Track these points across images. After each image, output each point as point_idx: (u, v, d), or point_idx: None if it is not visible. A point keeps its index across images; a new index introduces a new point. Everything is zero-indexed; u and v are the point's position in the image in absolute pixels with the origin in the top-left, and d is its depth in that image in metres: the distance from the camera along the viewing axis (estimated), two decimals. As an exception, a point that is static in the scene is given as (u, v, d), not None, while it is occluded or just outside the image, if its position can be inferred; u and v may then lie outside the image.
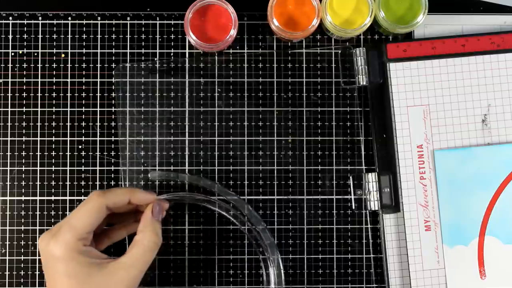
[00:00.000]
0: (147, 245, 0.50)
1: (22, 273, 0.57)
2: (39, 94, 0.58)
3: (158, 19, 0.59)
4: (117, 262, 0.49)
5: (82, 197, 0.58)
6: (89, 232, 0.49)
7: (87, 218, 0.48)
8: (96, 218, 0.49)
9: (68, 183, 0.58)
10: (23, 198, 0.58)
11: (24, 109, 0.58)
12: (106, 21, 0.59)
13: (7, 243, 0.57)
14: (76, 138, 0.58)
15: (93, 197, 0.49)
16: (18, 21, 0.59)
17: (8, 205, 0.58)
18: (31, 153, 0.58)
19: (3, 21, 0.59)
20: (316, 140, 0.59)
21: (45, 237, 0.48)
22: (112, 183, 0.58)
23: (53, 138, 0.58)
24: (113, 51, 0.59)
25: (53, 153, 0.58)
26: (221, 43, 0.55)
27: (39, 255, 0.57)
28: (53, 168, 0.58)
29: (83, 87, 0.58)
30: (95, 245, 0.52)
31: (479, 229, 0.57)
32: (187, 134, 0.58)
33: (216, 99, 0.59)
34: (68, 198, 0.58)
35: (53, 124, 0.58)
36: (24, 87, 0.58)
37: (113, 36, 0.59)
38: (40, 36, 0.59)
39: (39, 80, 0.58)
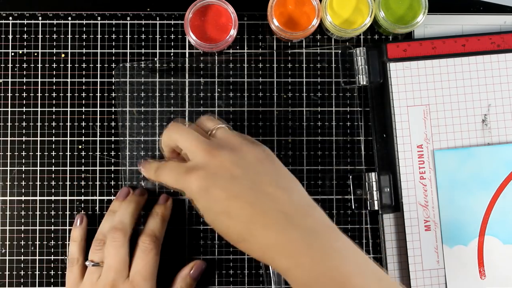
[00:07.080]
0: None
1: (22, 273, 0.57)
2: (39, 94, 0.58)
3: (158, 19, 0.59)
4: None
5: (82, 197, 0.58)
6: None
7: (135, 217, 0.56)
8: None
9: (68, 183, 0.58)
10: (23, 198, 0.58)
11: (24, 109, 0.58)
12: (106, 21, 0.59)
13: (7, 243, 0.58)
14: (76, 138, 0.58)
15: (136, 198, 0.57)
16: (18, 21, 0.59)
17: (8, 205, 0.58)
18: (31, 153, 0.58)
19: (3, 21, 0.59)
20: (316, 140, 0.59)
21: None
22: (112, 183, 0.58)
23: (53, 138, 0.58)
24: (113, 51, 0.59)
25: (53, 153, 0.58)
26: (221, 43, 0.55)
27: (39, 256, 0.57)
28: (53, 168, 0.58)
29: (83, 87, 0.58)
30: None
31: (479, 229, 0.57)
32: (187, 134, 0.58)
33: (216, 99, 0.59)
34: (68, 198, 0.58)
35: (53, 124, 0.58)
36: (24, 87, 0.58)
37: (113, 36, 0.59)
38: (40, 36, 0.59)
39: (39, 80, 0.58)
